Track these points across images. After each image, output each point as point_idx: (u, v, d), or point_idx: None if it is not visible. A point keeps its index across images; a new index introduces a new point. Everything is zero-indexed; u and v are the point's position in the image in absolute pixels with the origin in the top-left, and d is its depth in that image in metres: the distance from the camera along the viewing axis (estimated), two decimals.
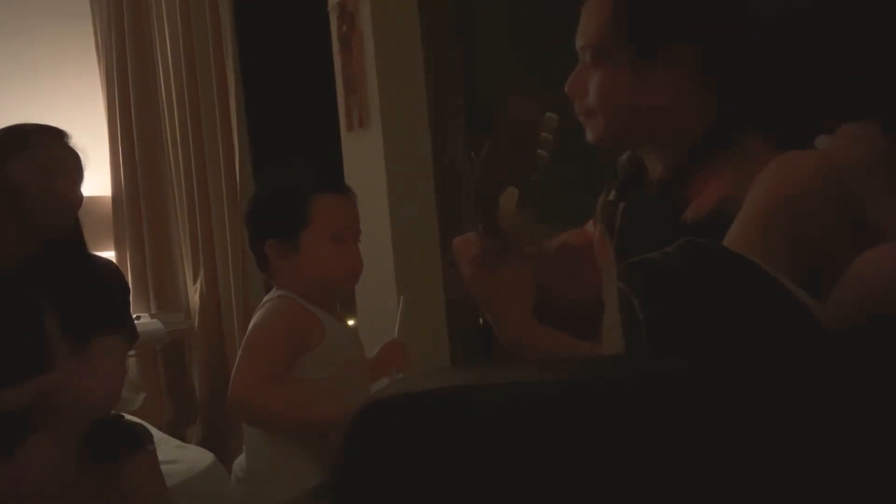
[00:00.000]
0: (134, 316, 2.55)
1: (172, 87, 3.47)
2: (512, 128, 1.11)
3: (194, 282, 3.49)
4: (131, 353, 3.45)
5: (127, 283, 1.86)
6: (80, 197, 1.76)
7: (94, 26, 3.85)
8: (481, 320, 1.34)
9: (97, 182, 3.70)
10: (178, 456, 2.47)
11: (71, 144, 1.75)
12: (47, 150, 1.70)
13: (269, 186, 1.68)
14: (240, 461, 1.56)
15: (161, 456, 1.78)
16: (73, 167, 1.73)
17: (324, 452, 1.42)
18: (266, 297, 1.58)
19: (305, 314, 1.51)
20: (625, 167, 1.26)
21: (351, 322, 2.64)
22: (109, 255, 3.54)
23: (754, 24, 1.15)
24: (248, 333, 1.52)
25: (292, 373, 1.47)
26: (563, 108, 1.15)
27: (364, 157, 2.54)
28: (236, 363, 1.49)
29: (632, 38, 1.11)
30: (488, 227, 1.10)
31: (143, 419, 2.33)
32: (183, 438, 3.11)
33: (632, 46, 1.12)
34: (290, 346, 1.48)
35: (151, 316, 3.57)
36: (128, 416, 2.02)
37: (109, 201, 3.73)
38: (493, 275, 1.16)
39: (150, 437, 1.75)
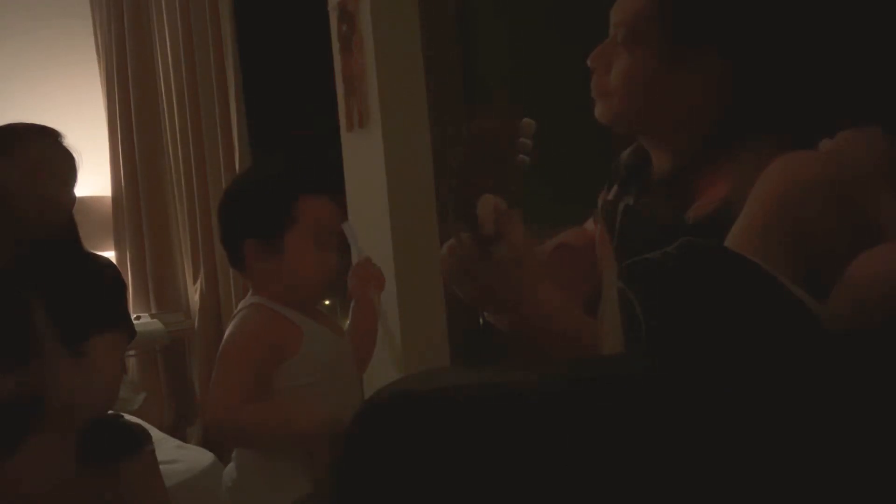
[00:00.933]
0: (134, 316, 2.55)
1: (172, 87, 3.47)
2: (487, 134, 1.11)
3: (194, 282, 3.50)
4: (131, 353, 3.46)
5: (124, 281, 1.85)
6: (73, 197, 1.75)
7: (94, 26, 3.86)
8: (481, 320, 1.33)
9: (97, 182, 3.71)
10: (178, 456, 2.47)
11: (65, 144, 1.74)
12: (38, 150, 1.69)
13: (252, 181, 1.56)
14: (230, 470, 1.50)
15: (161, 456, 1.78)
16: (64, 167, 1.72)
17: (312, 462, 1.39)
18: (240, 306, 1.51)
19: (281, 321, 1.44)
20: (626, 164, 1.26)
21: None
22: (109, 255, 3.55)
23: (777, 30, 1.15)
24: (221, 348, 1.44)
25: (272, 383, 1.41)
26: (565, 108, 1.14)
27: (364, 157, 2.54)
28: (211, 381, 1.41)
29: (674, 28, 1.10)
30: (471, 235, 1.09)
31: (143, 419, 2.33)
32: (183, 438, 3.11)
33: (669, 35, 1.10)
34: (265, 358, 1.41)
35: (151, 316, 3.57)
36: (127, 417, 2.01)
37: (109, 201, 3.74)
38: (479, 280, 1.15)
39: (149, 437, 1.74)
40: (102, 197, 3.72)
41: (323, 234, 1.47)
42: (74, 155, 1.75)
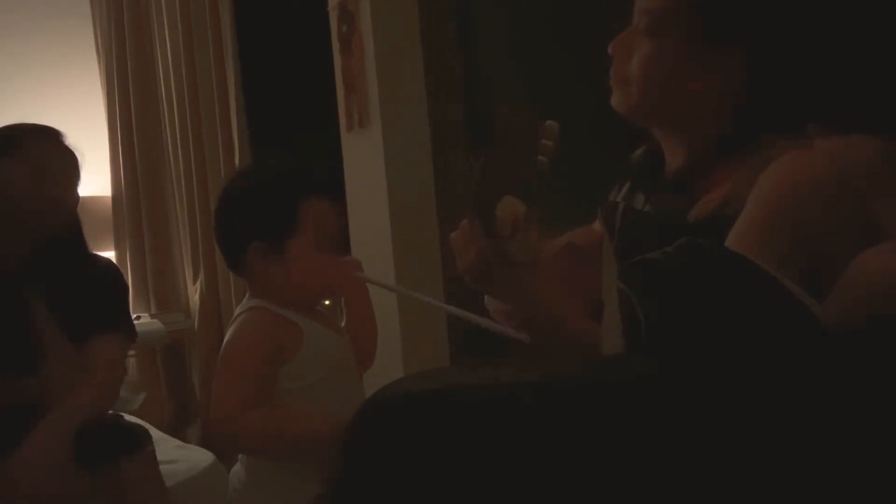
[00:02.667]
0: (134, 316, 2.55)
1: (172, 87, 3.47)
2: (510, 135, 1.10)
3: (194, 282, 3.50)
4: (131, 353, 3.46)
5: (126, 283, 1.85)
6: (76, 197, 1.75)
7: (94, 26, 3.86)
8: None
9: (97, 182, 3.71)
10: (178, 456, 2.47)
11: (66, 144, 1.75)
12: (40, 150, 1.69)
13: (256, 182, 1.51)
14: (237, 471, 1.48)
15: (161, 456, 1.78)
16: (67, 167, 1.73)
17: (323, 461, 1.38)
18: (238, 310, 1.49)
19: (281, 324, 1.43)
20: (638, 164, 1.25)
21: None
22: (109, 255, 3.55)
23: (802, 32, 1.13)
24: (221, 353, 1.43)
25: (275, 386, 1.40)
26: (563, 111, 1.14)
27: (364, 157, 2.54)
28: (213, 388, 1.40)
29: (702, 22, 1.08)
30: (488, 235, 1.09)
31: (143, 419, 2.33)
32: (183, 438, 3.10)
33: (694, 28, 1.09)
34: (267, 362, 1.39)
35: (151, 316, 3.57)
36: (127, 417, 2.01)
37: (109, 201, 3.74)
38: (493, 279, 1.15)
39: (149, 437, 1.74)
40: (102, 197, 3.73)
41: (326, 237, 1.46)
42: (77, 154, 1.75)
